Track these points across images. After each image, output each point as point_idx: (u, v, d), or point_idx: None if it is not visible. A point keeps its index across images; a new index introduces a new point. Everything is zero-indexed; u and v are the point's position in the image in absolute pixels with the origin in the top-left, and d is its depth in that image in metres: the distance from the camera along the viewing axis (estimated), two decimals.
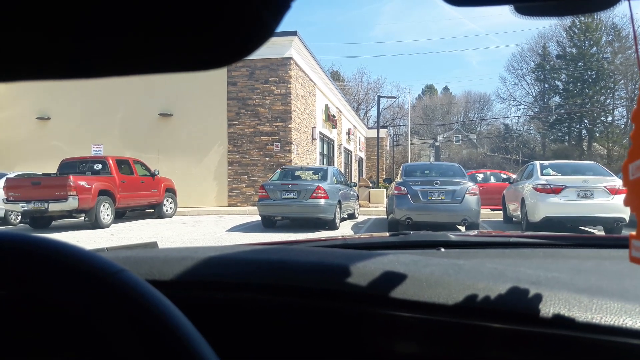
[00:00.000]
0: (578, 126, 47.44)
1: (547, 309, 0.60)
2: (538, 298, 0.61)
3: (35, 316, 0.51)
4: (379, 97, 26.99)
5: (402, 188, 9.31)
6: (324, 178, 10.84)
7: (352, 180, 22.86)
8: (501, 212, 12.56)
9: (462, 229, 9.23)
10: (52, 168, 13.01)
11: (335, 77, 48.09)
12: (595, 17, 43.11)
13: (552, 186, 9.18)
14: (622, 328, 0.57)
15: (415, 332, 0.64)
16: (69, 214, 11.06)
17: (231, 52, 0.29)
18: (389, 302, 0.64)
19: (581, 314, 0.59)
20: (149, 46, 0.28)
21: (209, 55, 0.29)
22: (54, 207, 10.49)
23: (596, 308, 0.60)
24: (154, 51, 0.28)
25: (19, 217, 12.26)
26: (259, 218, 11.02)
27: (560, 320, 0.59)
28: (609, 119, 45.98)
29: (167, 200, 14.08)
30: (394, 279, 0.67)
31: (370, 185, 21.26)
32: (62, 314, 0.45)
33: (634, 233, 0.46)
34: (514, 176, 12.83)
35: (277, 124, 16.49)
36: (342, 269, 0.70)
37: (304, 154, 18.12)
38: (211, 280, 0.72)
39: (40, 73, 0.30)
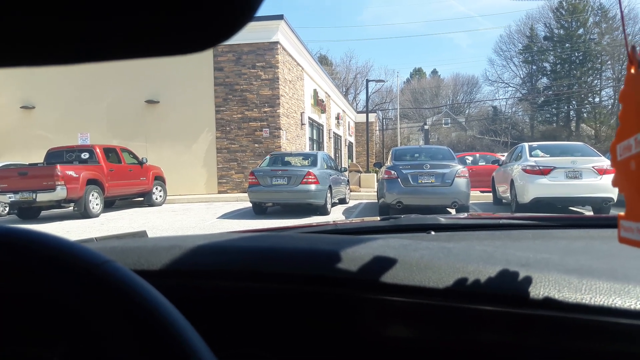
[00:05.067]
0: (566, 107, 47.73)
1: (537, 291, 0.60)
2: (528, 280, 0.62)
3: (22, 310, 0.51)
4: (368, 81, 26.86)
5: (392, 172, 9.33)
6: (314, 163, 10.82)
7: (343, 165, 22.89)
8: (491, 194, 12.65)
9: (453, 211, 9.29)
10: (39, 158, 12.87)
11: (323, 61, 47.84)
12: None
13: (540, 167, 9.25)
14: (611, 308, 0.57)
15: (406, 316, 0.64)
16: (58, 204, 10.96)
17: (213, 33, 0.28)
18: (379, 287, 0.64)
19: (571, 295, 0.59)
20: (128, 29, 0.27)
21: (190, 38, 0.28)
22: (42, 197, 10.39)
23: (586, 289, 0.60)
24: (134, 34, 0.28)
25: (7, 209, 12.15)
26: (250, 205, 11.01)
27: (550, 302, 0.59)
28: (597, 99, 46.33)
29: (157, 189, 14.01)
30: (384, 263, 0.67)
31: (361, 170, 21.28)
32: (49, 307, 0.45)
33: (622, 213, 0.46)
34: (503, 158, 12.91)
35: (266, 109, 16.40)
36: (332, 254, 0.70)
37: (293, 140, 18.06)
38: (200, 269, 0.72)
39: (18, 59, 0.29)
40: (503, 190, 11.05)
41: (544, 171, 9.19)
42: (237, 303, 0.69)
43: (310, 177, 10.03)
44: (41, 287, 0.42)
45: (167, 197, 14.54)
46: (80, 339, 0.49)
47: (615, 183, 0.46)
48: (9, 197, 10.53)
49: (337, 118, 27.03)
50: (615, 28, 42.04)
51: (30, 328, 0.51)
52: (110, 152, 12.59)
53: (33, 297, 0.45)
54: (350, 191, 14.41)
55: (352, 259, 0.68)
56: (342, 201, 12.94)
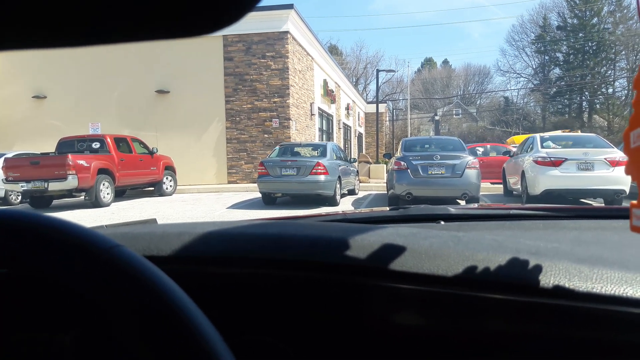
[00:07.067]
0: (578, 98, 47.12)
1: (548, 279, 0.59)
2: (538, 268, 0.61)
3: (35, 293, 0.51)
4: (378, 71, 26.72)
5: (402, 163, 9.30)
6: (323, 154, 10.81)
7: (352, 156, 22.83)
8: (501, 185, 12.58)
9: (463, 203, 9.25)
10: (50, 147, 12.97)
11: (333, 51, 47.57)
12: None
13: (552, 159, 9.17)
14: (622, 297, 0.57)
15: (414, 303, 0.64)
16: (69, 193, 11.07)
17: (220, 15, 0.27)
18: (388, 274, 0.64)
19: (582, 284, 0.59)
20: (133, 10, 0.27)
21: (197, 19, 0.28)
22: (53, 186, 10.50)
23: (597, 278, 0.59)
24: (140, 15, 0.27)
25: (19, 197, 12.29)
26: (260, 195, 11.04)
27: (560, 291, 0.58)
28: (610, 90, 45.68)
29: (167, 178, 14.08)
30: (393, 251, 0.67)
31: (371, 160, 21.22)
32: (60, 290, 0.45)
33: (635, 202, 0.45)
34: (514, 149, 12.80)
35: (275, 99, 16.38)
36: (341, 242, 0.70)
37: (303, 130, 18.04)
38: (209, 255, 0.72)
39: (25, 41, 0.29)
40: (514, 181, 10.98)
41: (556, 163, 9.11)
42: (246, 290, 0.69)
43: (319, 167, 10.02)
44: (50, 271, 0.42)
45: (177, 187, 14.63)
46: (91, 323, 0.49)
47: (628, 171, 0.45)
48: (22, 186, 10.66)
49: (347, 108, 26.93)
50: (630, 17, 41.34)
51: (42, 312, 0.51)
52: (121, 142, 12.66)
53: (42, 281, 0.46)
54: (360, 182, 14.38)
55: (361, 247, 0.68)
56: (352, 192, 12.93)
